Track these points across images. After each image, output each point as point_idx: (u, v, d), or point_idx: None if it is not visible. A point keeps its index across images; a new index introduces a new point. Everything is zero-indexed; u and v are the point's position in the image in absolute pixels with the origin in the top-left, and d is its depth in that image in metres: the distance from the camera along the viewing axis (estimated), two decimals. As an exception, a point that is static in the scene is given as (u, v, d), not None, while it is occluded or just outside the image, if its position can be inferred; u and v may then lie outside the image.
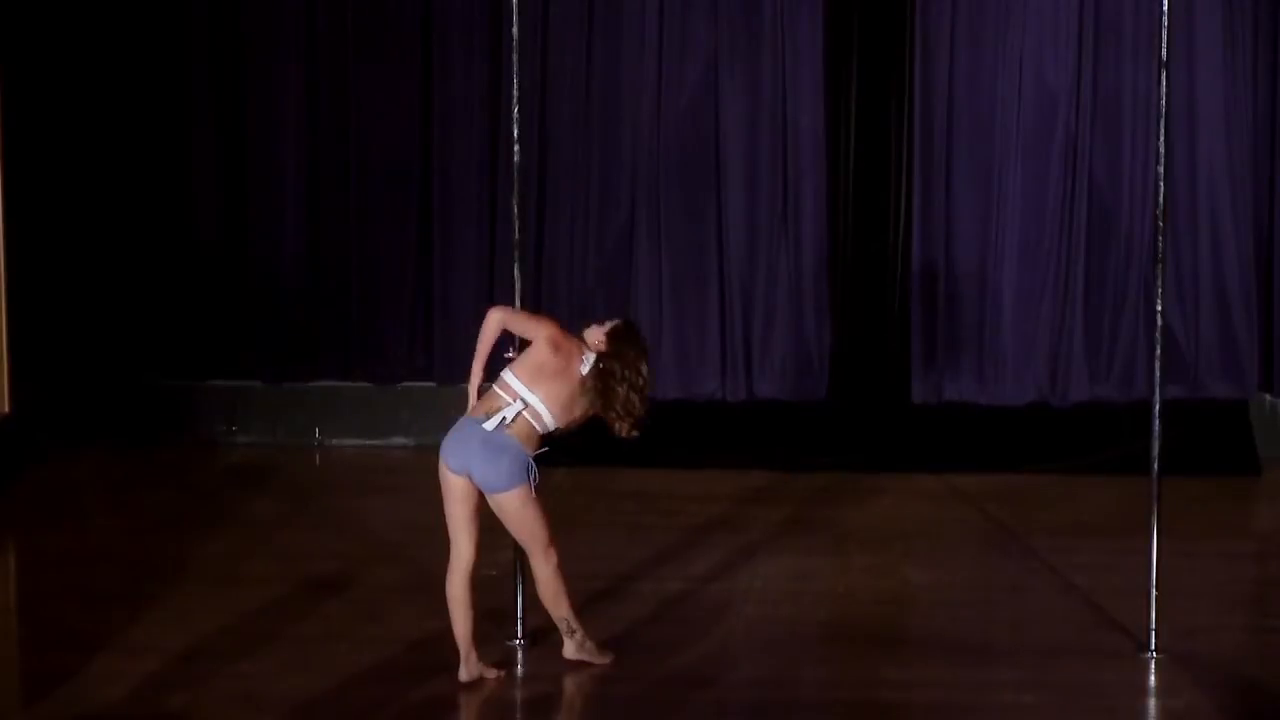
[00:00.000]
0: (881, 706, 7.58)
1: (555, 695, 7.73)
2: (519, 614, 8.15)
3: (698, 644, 8.25)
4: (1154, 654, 8.00)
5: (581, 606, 8.60)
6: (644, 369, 7.75)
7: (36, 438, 11.54)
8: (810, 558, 9.61)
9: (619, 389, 7.69)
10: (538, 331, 7.77)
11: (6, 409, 11.27)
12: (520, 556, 8.11)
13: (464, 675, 7.76)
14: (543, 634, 8.22)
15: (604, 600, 8.74)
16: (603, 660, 7.96)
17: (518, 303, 8.24)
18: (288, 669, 7.89)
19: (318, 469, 11.81)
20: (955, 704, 7.57)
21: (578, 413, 7.75)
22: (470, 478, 7.64)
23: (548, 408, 7.65)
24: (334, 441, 12.13)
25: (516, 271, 8.19)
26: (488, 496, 7.67)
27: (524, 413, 7.63)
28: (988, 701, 7.61)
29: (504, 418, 7.59)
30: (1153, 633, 8.02)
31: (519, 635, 8.16)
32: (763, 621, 8.60)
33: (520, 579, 8.14)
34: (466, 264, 12.00)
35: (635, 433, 7.76)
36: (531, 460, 7.64)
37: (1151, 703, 7.75)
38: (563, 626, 7.93)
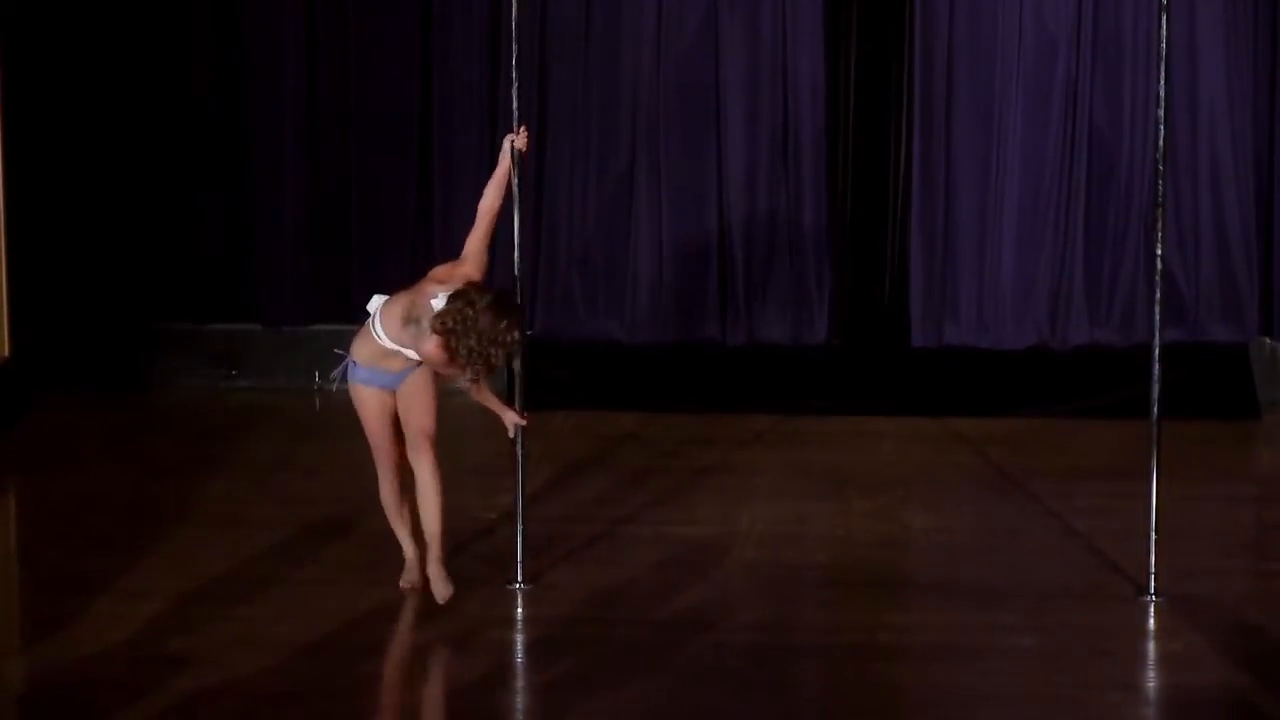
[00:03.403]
0: (881, 649, 7.59)
1: (555, 638, 7.74)
2: (519, 557, 8.16)
3: (697, 587, 8.26)
4: (1154, 597, 8.01)
5: (580, 550, 8.64)
6: (470, 314, 7.61)
7: (36, 382, 11.53)
8: (810, 502, 9.61)
9: (456, 327, 7.61)
10: (468, 247, 8.01)
11: (6, 354, 11.26)
12: (525, 501, 8.13)
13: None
14: (542, 577, 8.24)
15: (603, 543, 8.75)
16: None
17: (516, 245, 8.23)
18: (288, 612, 7.90)
19: (318, 413, 11.80)
20: (955, 647, 7.58)
21: (408, 334, 7.77)
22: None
23: (380, 317, 7.88)
24: (334, 385, 12.12)
25: (516, 214, 8.17)
26: None
27: (374, 315, 7.93)
28: (987, 644, 7.62)
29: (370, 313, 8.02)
30: (1152, 576, 8.03)
31: (519, 578, 8.16)
32: (762, 565, 8.61)
33: (522, 522, 8.14)
34: (466, 207, 11.87)
35: (472, 380, 7.77)
36: (352, 363, 8.01)
37: (1151, 645, 7.76)
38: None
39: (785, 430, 11.03)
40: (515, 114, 8.19)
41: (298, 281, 12.05)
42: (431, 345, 7.67)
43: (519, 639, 7.79)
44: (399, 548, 8.77)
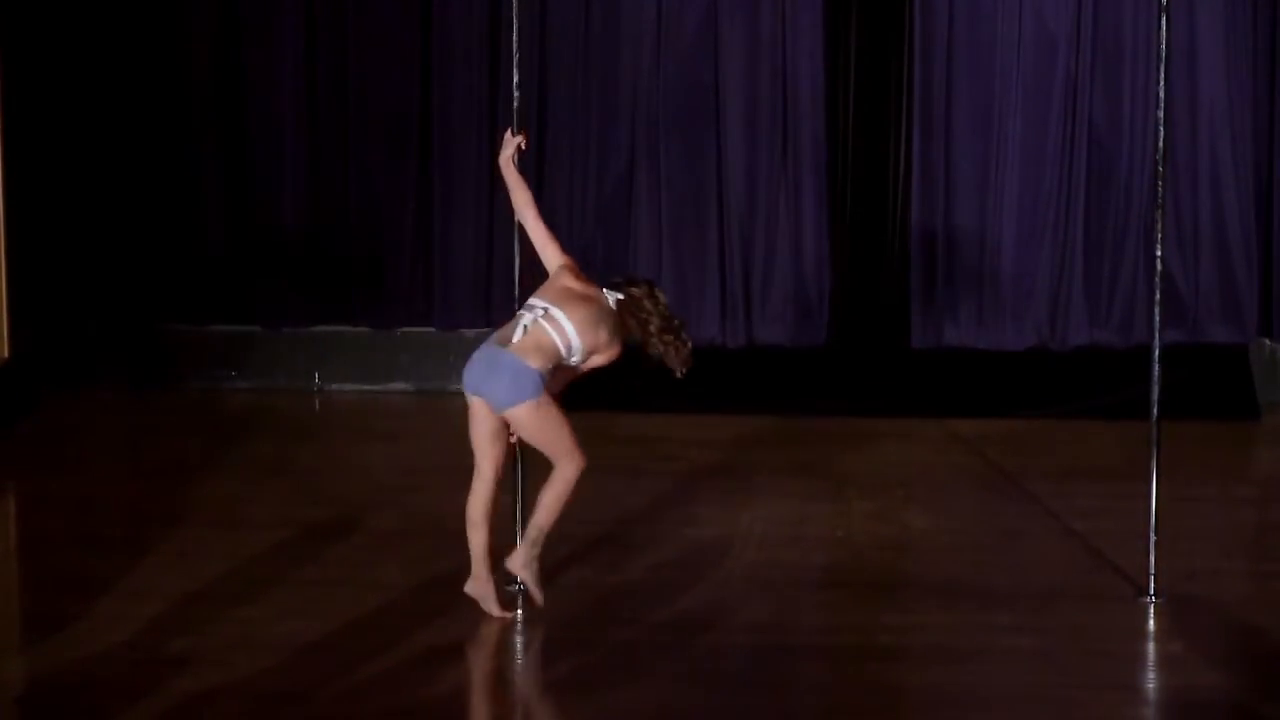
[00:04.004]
0: (880, 650, 7.59)
1: (555, 639, 7.74)
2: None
3: (697, 588, 8.26)
4: (1153, 598, 8.01)
5: (580, 551, 8.62)
6: (663, 299, 7.91)
7: (36, 382, 11.53)
8: (810, 503, 9.61)
9: (653, 318, 7.80)
10: (559, 258, 7.86)
11: (6, 354, 11.26)
12: (525, 502, 8.13)
13: (469, 589, 7.88)
14: (543, 578, 8.23)
15: (603, 545, 8.74)
16: (536, 595, 7.89)
17: (516, 248, 8.23)
18: (288, 613, 7.90)
19: (317, 414, 11.82)
20: (954, 647, 7.58)
21: (604, 336, 7.73)
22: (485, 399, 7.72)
23: (572, 323, 7.68)
24: (333, 386, 12.14)
25: (517, 217, 8.17)
26: (502, 415, 7.71)
27: (542, 321, 7.66)
28: (986, 645, 7.62)
29: (524, 327, 7.65)
30: (1152, 577, 8.02)
31: (519, 580, 8.15)
32: (762, 566, 8.61)
33: (521, 523, 8.14)
34: (466, 209, 11.99)
35: (687, 363, 7.88)
36: (540, 375, 7.64)
37: (1150, 646, 7.76)
38: (535, 535, 7.85)
39: (785, 431, 11.03)
40: (515, 113, 8.18)
41: (297, 283, 12.05)
42: (618, 345, 7.82)
43: (519, 640, 7.79)
44: (399, 548, 8.80)
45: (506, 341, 7.66)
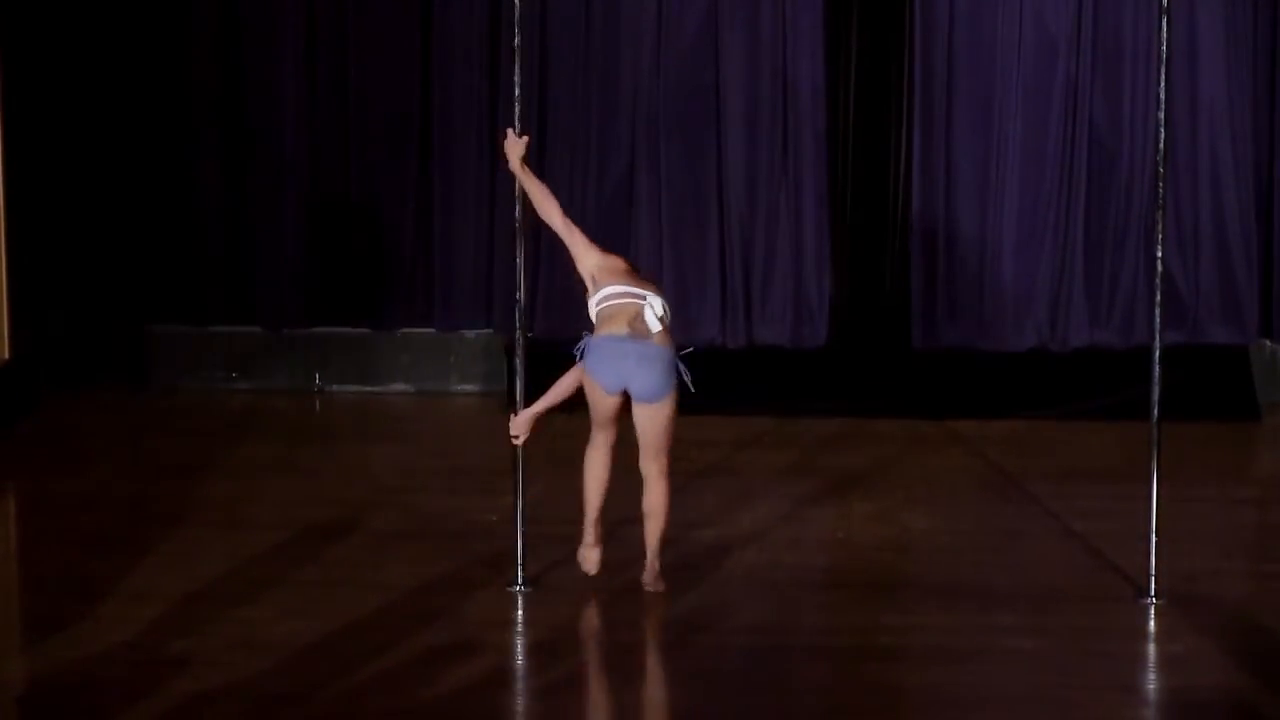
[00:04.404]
0: (880, 650, 7.59)
1: (556, 641, 7.74)
2: (519, 560, 8.15)
3: (697, 589, 8.26)
4: (1154, 599, 8.01)
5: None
6: None
7: (36, 382, 11.53)
8: (810, 504, 9.61)
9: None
10: (593, 246, 8.15)
11: (6, 354, 11.26)
12: (525, 503, 8.13)
13: (588, 538, 8.14)
14: (543, 580, 8.23)
15: (604, 545, 8.73)
16: (659, 588, 8.14)
17: (519, 247, 8.24)
18: (288, 614, 7.90)
19: (318, 415, 11.81)
20: (954, 649, 7.58)
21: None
22: (625, 392, 7.87)
23: (665, 303, 8.00)
24: (334, 387, 12.14)
25: (518, 212, 8.18)
26: (639, 405, 7.88)
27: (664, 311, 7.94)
28: (987, 646, 7.62)
29: (658, 317, 7.86)
30: (1152, 578, 8.02)
31: (519, 581, 8.16)
32: (762, 567, 8.61)
33: (522, 524, 8.14)
34: (466, 209, 11.99)
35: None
36: (679, 359, 7.89)
37: (1151, 647, 7.76)
38: (658, 545, 8.14)
39: (785, 432, 11.03)
40: (516, 112, 8.17)
41: (298, 284, 12.05)
42: None
43: (519, 641, 7.79)
44: (399, 548, 8.80)
45: (645, 333, 7.83)
